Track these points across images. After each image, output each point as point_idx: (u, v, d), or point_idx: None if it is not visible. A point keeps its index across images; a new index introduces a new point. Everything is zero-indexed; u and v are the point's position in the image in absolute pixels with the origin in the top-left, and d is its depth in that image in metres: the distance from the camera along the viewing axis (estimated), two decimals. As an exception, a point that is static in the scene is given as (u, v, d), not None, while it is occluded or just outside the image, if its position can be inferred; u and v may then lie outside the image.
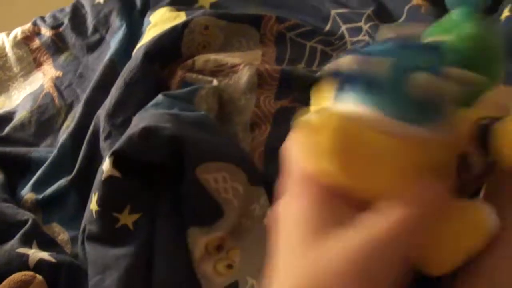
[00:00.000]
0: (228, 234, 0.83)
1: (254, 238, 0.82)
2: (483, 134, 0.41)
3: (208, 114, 0.97)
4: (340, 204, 0.41)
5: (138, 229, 0.85)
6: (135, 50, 1.19)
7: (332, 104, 0.42)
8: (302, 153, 0.42)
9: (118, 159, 0.87)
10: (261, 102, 1.01)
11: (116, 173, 0.87)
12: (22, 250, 0.89)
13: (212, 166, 0.85)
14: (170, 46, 1.14)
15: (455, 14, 0.49)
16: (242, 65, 1.06)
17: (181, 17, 1.24)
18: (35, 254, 0.88)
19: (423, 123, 0.39)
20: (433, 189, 0.39)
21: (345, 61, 0.41)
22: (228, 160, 0.86)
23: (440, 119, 0.40)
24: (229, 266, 0.80)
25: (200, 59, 1.09)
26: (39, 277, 0.84)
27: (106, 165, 0.87)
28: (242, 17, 1.20)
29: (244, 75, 1.04)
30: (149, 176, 0.89)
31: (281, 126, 0.97)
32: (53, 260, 0.87)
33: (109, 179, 0.86)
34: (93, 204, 0.86)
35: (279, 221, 0.43)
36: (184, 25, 1.15)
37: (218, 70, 1.07)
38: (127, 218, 0.86)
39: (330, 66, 0.42)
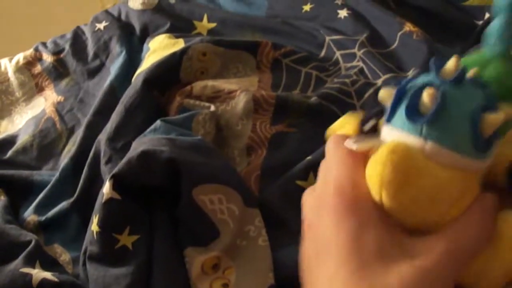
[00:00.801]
0: (224, 254, 0.85)
1: (249, 257, 0.84)
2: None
3: (205, 139, 1.00)
4: (394, 230, 0.43)
5: (137, 250, 0.88)
6: (134, 76, 1.22)
7: (383, 134, 0.47)
8: (366, 181, 0.45)
9: (117, 182, 0.90)
10: (257, 127, 1.04)
11: (116, 196, 0.90)
12: (26, 270, 0.91)
13: (208, 188, 0.88)
14: (169, 72, 1.17)
15: (487, 50, 0.53)
16: (239, 91, 1.09)
17: (179, 43, 1.27)
18: (38, 273, 0.90)
19: (481, 156, 0.43)
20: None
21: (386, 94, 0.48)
22: (224, 182, 0.89)
23: (492, 152, 0.44)
24: (225, 286, 0.82)
25: (198, 85, 1.12)
26: (42, 296, 0.87)
27: (106, 188, 0.90)
28: (239, 44, 1.23)
29: (240, 101, 1.07)
30: (148, 198, 0.92)
31: (277, 150, 1.00)
32: (56, 279, 0.89)
33: (109, 201, 0.89)
34: (94, 226, 0.89)
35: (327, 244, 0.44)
36: (182, 52, 1.18)
37: (216, 96, 1.10)
38: (126, 239, 0.89)
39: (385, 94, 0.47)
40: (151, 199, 0.93)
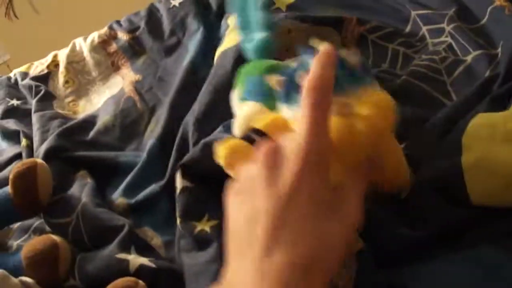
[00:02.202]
0: None
1: None
2: None
3: None
4: None
5: (216, 234, 0.87)
6: (217, 54, 1.20)
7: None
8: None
9: (187, 171, 0.92)
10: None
11: (188, 184, 0.90)
12: (122, 255, 0.91)
13: None
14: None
15: None
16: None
17: (261, 20, 1.25)
18: (135, 259, 0.90)
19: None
20: None
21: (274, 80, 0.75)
22: None
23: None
24: None
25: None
26: (141, 283, 0.87)
27: (177, 179, 0.91)
28: (324, 20, 1.20)
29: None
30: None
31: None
32: (154, 265, 0.89)
33: (183, 191, 0.90)
34: (177, 219, 0.90)
35: None
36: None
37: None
38: (205, 225, 0.88)
39: None
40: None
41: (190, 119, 1.08)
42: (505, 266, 0.74)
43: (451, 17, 1.17)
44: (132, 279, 0.87)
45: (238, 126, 0.79)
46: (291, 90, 0.68)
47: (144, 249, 0.96)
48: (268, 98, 0.75)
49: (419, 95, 1.05)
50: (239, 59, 1.10)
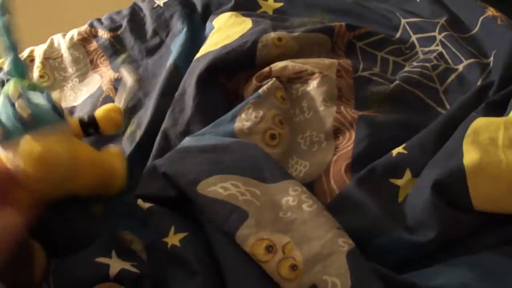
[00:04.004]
0: (270, 232, 0.77)
1: (301, 225, 0.77)
2: None
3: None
4: None
5: (185, 246, 0.82)
6: (197, 56, 1.18)
7: None
8: None
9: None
10: (343, 110, 0.99)
11: (149, 205, 0.89)
12: (102, 259, 0.85)
13: (212, 180, 0.84)
14: (240, 59, 1.12)
15: None
16: (320, 73, 1.04)
17: (246, 23, 1.22)
18: (116, 263, 0.84)
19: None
20: None
21: None
22: (230, 172, 0.85)
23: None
24: (293, 267, 0.74)
25: (278, 66, 1.06)
26: (122, 288, 0.81)
27: (139, 204, 0.90)
28: (315, 28, 1.18)
29: (324, 84, 1.02)
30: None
31: (366, 134, 0.95)
32: (136, 270, 0.83)
33: (149, 210, 0.88)
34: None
35: None
36: (254, 42, 1.13)
37: (297, 77, 1.05)
38: (173, 239, 0.84)
39: None
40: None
41: (169, 129, 1.07)
42: (509, 273, 0.72)
43: (442, 26, 1.16)
44: (114, 285, 0.82)
45: None
46: None
47: (125, 253, 0.90)
48: None
49: (413, 101, 1.04)
50: (214, 67, 1.10)
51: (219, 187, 0.82)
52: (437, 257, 0.76)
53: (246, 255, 0.76)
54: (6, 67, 0.99)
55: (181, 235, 0.83)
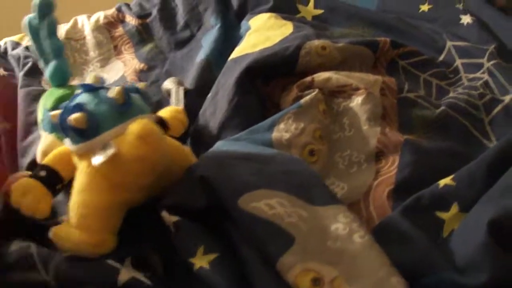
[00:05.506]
0: (318, 263, 0.71)
1: (350, 258, 0.71)
2: None
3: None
4: None
5: (215, 269, 0.74)
6: (233, 57, 1.12)
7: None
8: None
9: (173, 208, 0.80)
10: (387, 132, 0.94)
11: (176, 219, 0.79)
12: (112, 263, 0.79)
13: (257, 194, 0.77)
14: (281, 65, 1.07)
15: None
16: (366, 90, 0.99)
17: (288, 27, 1.17)
18: (127, 271, 0.77)
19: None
20: None
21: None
22: (276, 188, 0.78)
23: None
24: None
25: (321, 77, 1.01)
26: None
27: (164, 217, 0.80)
28: (359, 41, 1.13)
29: (369, 102, 0.97)
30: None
31: (411, 161, 0.89)
32: (149, 282, 0.76)
33: (174, 225, 0.79)
34: None
35: None
36: (298, 47, 1.07)
37: (340, 91, 1.00)
38: (202, 260, 0.76)
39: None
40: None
41: (203, 130, 1.03)
42: None
43: (491, 53, 1.12)
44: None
45: (38, 158, 0.90)
46: (64, 123, 0.78)
47: (140, 264, 0.83)
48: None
49: (458, 129, 0.98)
50: (252, 69, 1.04)
51: (263, 204, 0.75)
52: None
53: (286, 285, 0.70)
54: (47, 73, 1.02)
55: (211, 256, 0.75)
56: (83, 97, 0.80)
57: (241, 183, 0.79)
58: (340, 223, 0.74)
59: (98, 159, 0.76)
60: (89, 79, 0.84)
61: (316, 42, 1.08)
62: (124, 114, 0.79)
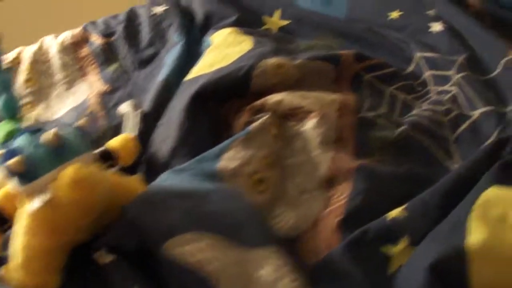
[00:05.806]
0: None
1: None
2: None
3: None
4: None
5: None
6: (187, 78, 1.09)
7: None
8: None
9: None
10: (340, 157, 0.89)
11: (111, 258, 0.77)
12: None
13: (184, 238, 0.75)
14: (234, 86, 1.03)
15: None
16: (319, 113, 0.95)
17: (246, 42, 1.13)
18: None
19: None
20: None
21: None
22: (208, 229, 0.77)
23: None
24: None
25: (272, 100, 0.97)
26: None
27: (99, 257, 0.78)
28: (319, 56, 1.09)
29: (321, 126, 0.93)
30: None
31: (364, 188, 0.85)
32: None
33: (110, 264, 0.77)
34: None
35: None
36: (251, 67, 1.04)
37: (292, 114, 0.96)
38: None
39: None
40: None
41: (157, 152, 0.99)
42: None
43: (461, 65, 1.06)
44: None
45: None
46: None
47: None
48: None
49: (419, 151, 0.94)
50: (204, 93, 1.01)
51: (188, 249, 0.73)
52: None
53: None
54: None
55: None
56: (23, 139, 0.81)
57: (169, 227, 0.77)
58: (269, 267, 0.72)
59: (35, 205, 0.76)
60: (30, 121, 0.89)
61: (272, 60, 1.04)
62: (60, 157, 0.80)
